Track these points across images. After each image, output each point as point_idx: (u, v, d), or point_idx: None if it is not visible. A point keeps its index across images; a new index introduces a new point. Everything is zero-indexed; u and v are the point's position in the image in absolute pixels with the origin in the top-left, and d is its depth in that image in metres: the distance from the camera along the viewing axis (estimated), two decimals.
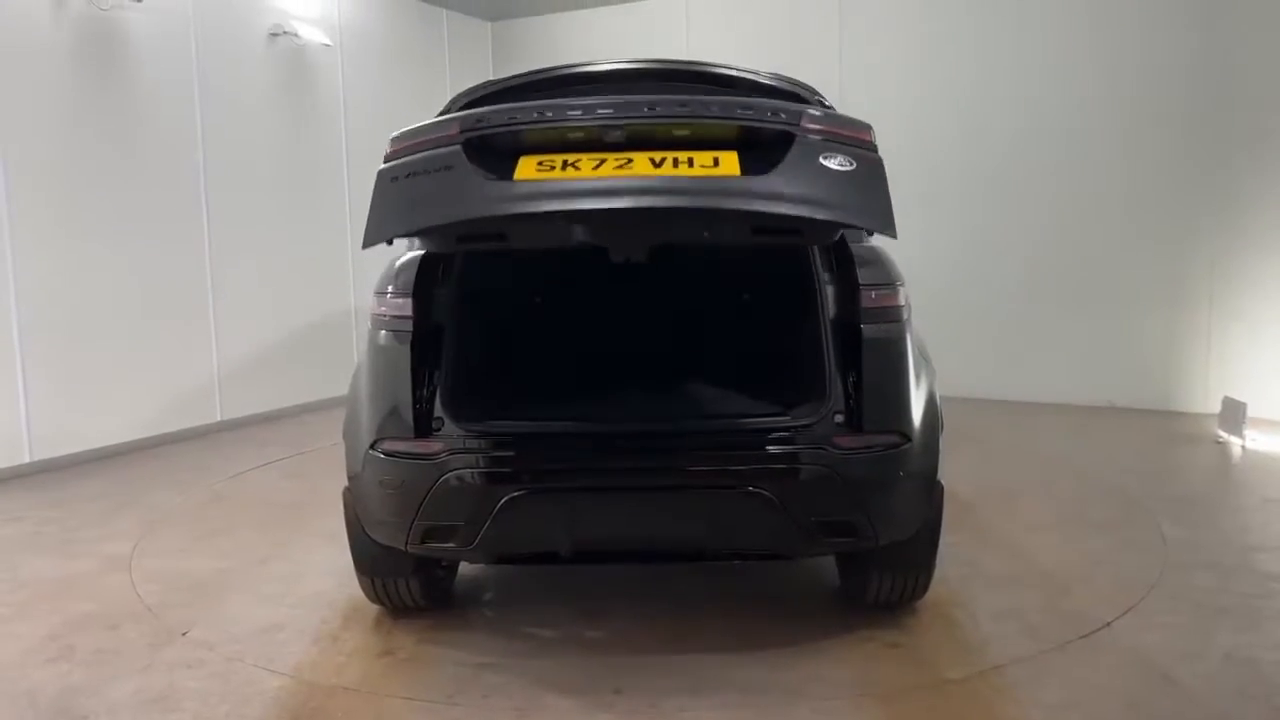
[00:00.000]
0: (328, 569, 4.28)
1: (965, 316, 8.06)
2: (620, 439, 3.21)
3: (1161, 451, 6.59)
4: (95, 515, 5.34)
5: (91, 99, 6.54)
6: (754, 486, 3.14)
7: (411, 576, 3.61)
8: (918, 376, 3.37)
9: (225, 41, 7.46)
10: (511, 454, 3.23)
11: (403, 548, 3.35)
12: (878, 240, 3.58)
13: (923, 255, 7.08)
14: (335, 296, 8.56)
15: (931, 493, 3.43)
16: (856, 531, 3.26)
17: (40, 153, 6.24)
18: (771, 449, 3.18)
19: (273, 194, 7.94)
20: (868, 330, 3.25)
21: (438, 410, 3.27)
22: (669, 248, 3.22)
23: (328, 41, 8.31)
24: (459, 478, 3.19)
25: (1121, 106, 7.58)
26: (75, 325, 6.47)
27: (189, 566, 4.50)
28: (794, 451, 3.18)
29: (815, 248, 3.46)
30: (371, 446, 3.32)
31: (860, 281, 3.28)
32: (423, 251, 3.44)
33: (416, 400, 3.26)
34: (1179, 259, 7.49)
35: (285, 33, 7.93)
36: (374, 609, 3.85)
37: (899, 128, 7.94)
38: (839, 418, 3.24)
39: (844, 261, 3.41)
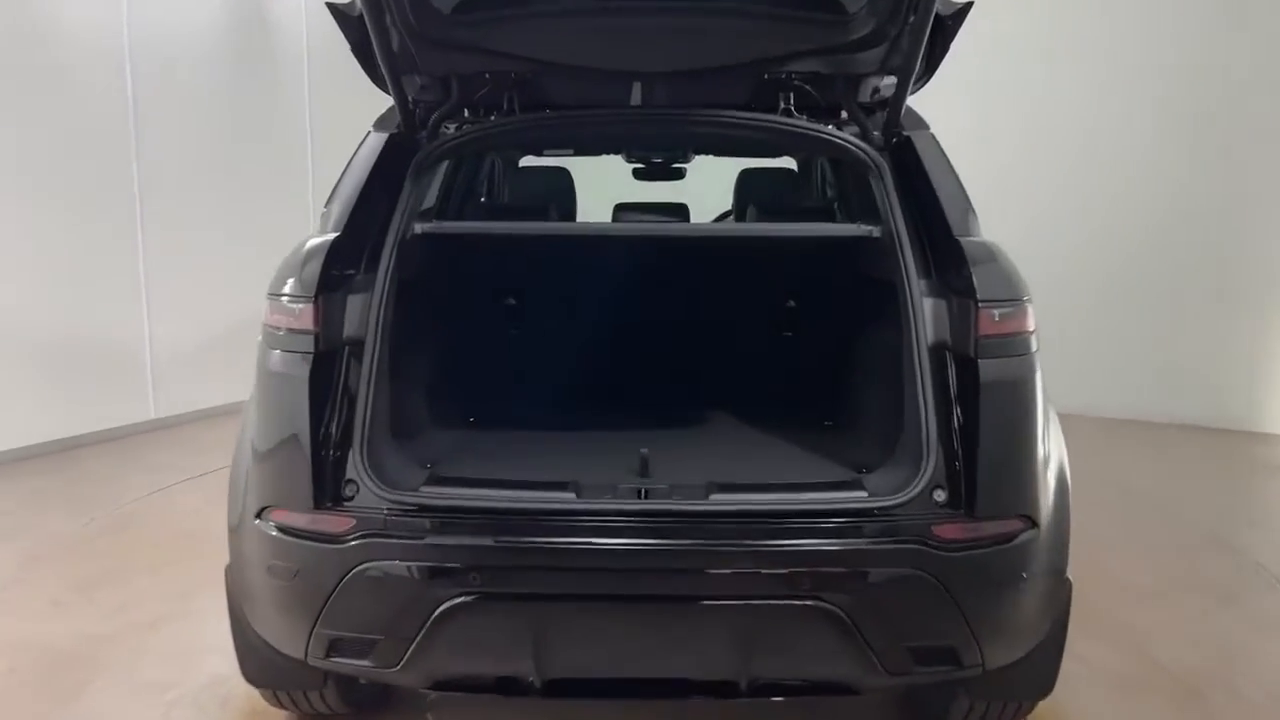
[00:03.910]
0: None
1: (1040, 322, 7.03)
2: (618, 522, 2.18)
3: (1259, 486, 5.58)
4: None
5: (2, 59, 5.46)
6: (814, 598, 2.13)
7: (325, 687, 2.60)
8: (1047, 431, 2.35)
9: None
10: (457, 539, 2.20)
11: (302, 658, 2.33)
12: (990, 234, 2.53)
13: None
14: None
15: (1058, 595, 2.41)
16: (958, 657, 2.25)
17: None
18: (840, 543, 2.16)
19: (220, 168, 6.87)
20: (988, 367, 2.22)
21: (351, 469, 2.25)
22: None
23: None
24: (380, 572, 2.18)
25: (1202, 111, 6.56)
26: None
27: (55, 631, 3.48)
28: (875, 548, 2.16)
29: (904, 242, 2.41)
30: (257, 515, 2.31)
31: (979, 295, 2.24)
32: (335, 235, 2.40)
33: (318, 454, 2.24)
34: (1268, 263, 6.47)
35: None
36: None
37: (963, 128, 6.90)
38: (940, 494, 2.23)
39: (950, 261, 2.37)
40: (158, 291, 6.42)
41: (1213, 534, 4.63)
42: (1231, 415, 6.63)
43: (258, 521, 2.32)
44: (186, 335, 6.63)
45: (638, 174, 4.26)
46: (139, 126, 6.22)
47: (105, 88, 6.05)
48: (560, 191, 3.60)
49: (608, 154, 3.94)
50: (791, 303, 3.16)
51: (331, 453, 2.27)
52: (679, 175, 4.25)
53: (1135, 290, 6.92)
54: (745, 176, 3.74)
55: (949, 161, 2.56)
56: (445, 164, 3.09)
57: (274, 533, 2.28)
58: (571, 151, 4.12)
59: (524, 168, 4.20)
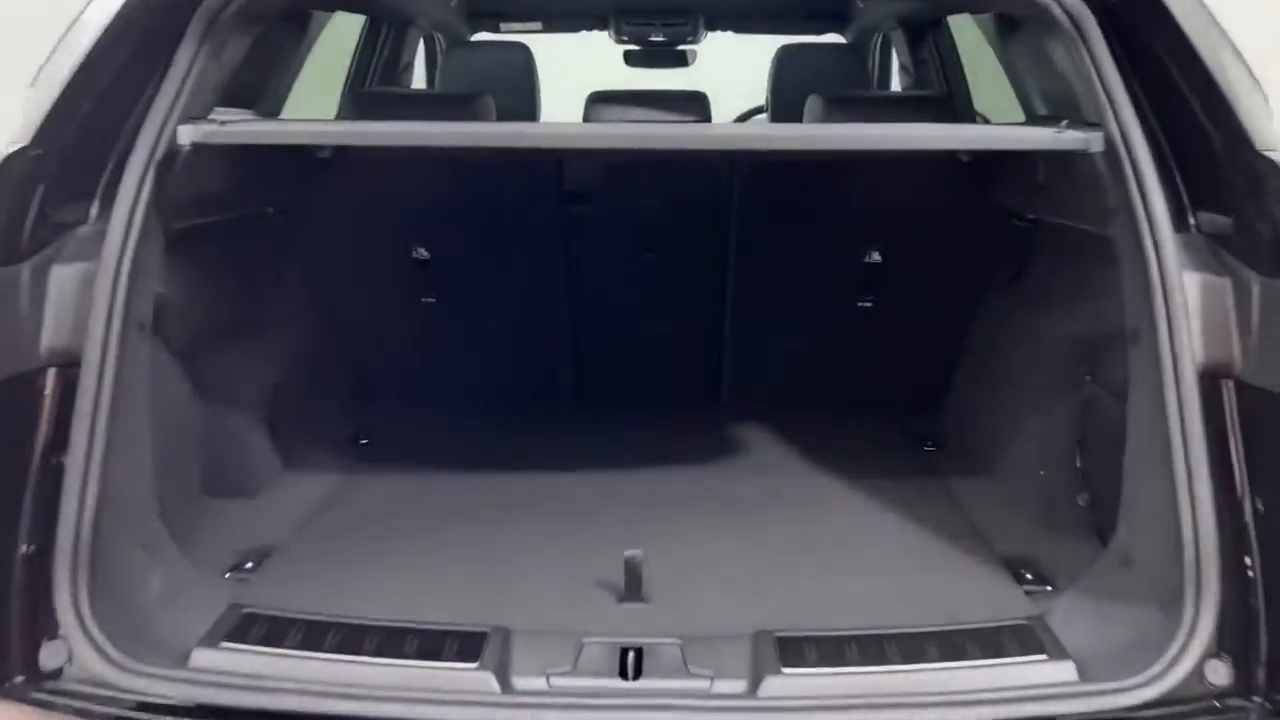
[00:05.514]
0: None
1: None
2: None
3: None
4: None
5: None
6: None
7: None
8: None
9: None
10: None
11: None
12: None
13: None
14: None
15: None
16: None
17: None
18: None
19: None
20: None
21: (61, 609, 1.19)
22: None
23: None
24: None
25: None
26: None
27: None
28: None
29: (1139, 162, 1.28)
30: None
31: None
32: (20, 145, 1.25)
33: None
34: None
35: None
36: None
37: None
38: (1219, 670, 1.16)
39: (1234, 201, 1.25)
40: None
41: None
42: None
43: None
44: None
45: (630, 59, 3.03)
46: None
47: None
48: (509, 78, 2.41)
49: (575, 24, 2.74)
50: (876, 255, 2.00)
51: (16, 579, 1.17)
52: (685, 61, 3.03)
53: None
54: (788, 57, 2.54)
55: (1210, 12, 1.37)
56: (309, 29, 1.93)
57: None
58: (539, 25, 2.93)
59: (473, 44, 3.00)
